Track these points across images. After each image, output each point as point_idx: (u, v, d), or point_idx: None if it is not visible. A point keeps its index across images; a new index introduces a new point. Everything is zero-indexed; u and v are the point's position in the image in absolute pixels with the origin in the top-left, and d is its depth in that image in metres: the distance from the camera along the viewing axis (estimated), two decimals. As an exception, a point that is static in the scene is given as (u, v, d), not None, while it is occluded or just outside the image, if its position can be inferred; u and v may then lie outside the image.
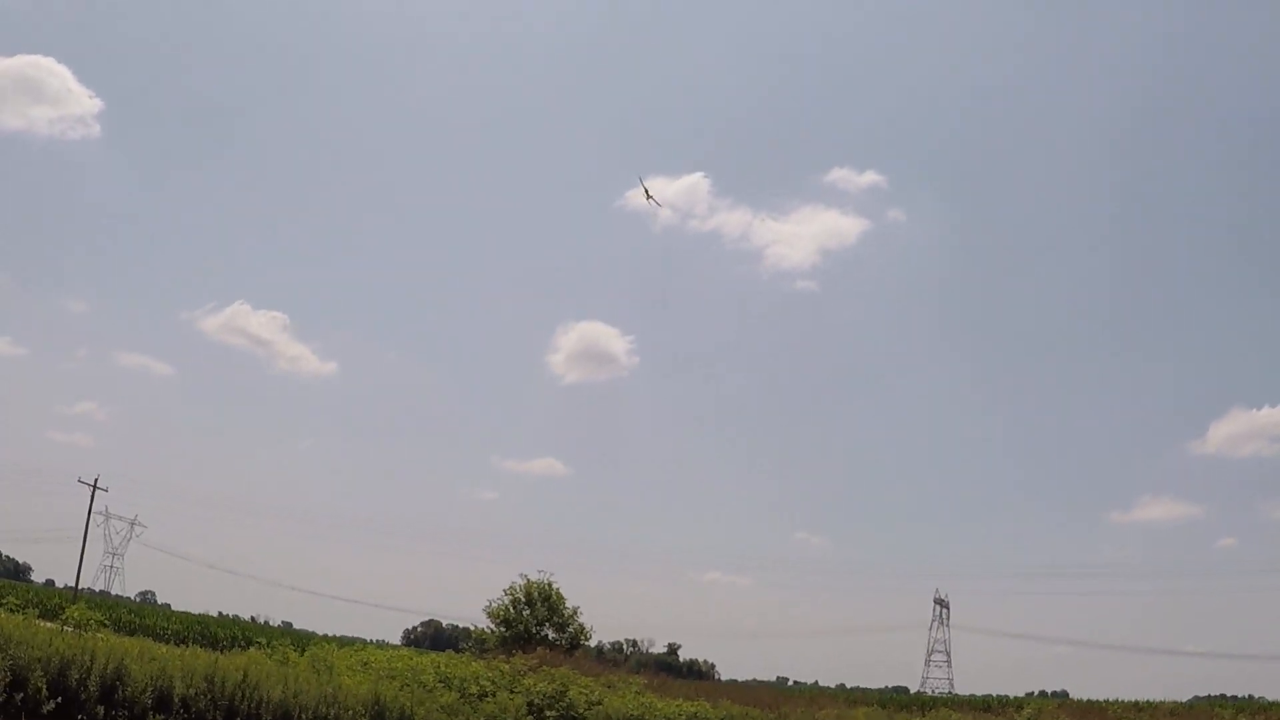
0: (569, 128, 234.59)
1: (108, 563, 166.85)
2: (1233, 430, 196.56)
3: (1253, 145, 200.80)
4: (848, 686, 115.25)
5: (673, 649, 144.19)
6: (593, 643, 58.32)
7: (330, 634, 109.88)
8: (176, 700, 18.01)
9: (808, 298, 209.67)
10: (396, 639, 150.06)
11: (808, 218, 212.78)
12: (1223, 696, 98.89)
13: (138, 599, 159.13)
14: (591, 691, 32.98)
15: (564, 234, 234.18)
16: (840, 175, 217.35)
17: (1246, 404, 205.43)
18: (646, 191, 69.11)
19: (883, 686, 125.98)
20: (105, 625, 27.93)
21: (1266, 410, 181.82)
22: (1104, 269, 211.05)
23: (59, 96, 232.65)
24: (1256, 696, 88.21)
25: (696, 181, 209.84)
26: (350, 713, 21.40)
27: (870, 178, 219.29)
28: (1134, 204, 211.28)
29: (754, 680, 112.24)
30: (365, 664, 30.10)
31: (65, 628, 23.52)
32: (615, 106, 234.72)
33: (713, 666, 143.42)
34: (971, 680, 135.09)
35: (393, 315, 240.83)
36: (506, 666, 34.17)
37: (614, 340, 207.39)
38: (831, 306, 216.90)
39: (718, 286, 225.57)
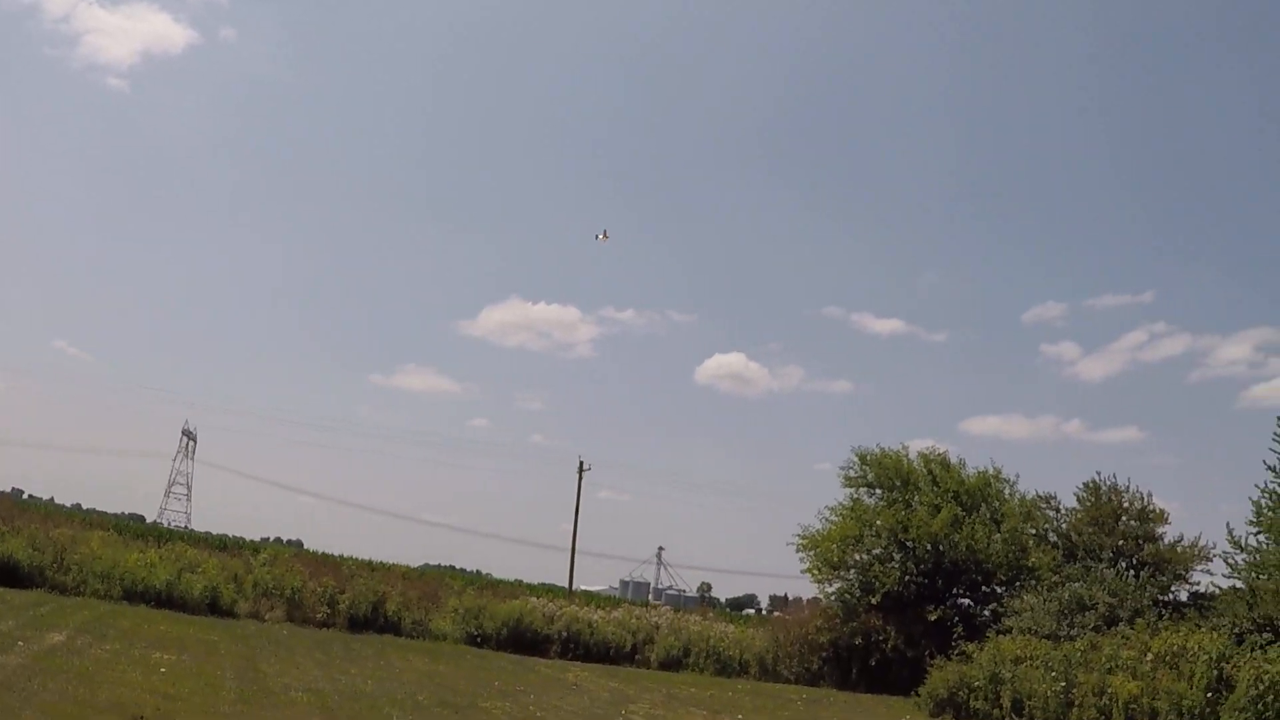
0: None
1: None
2: (505, 318, 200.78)
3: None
4: (84, 507, 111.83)
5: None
6: None
7: None
8: None
9: (116, 96, 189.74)
10: None
11: (140, 15, 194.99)
12: (453, 567, 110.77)
13: None
14: None
15: None
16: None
17: (525, 296, 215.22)
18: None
19: (120, 513, 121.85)
20: None
21: (542, 305, 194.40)
22: (418, 141, 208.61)
23: None
24: (484, 572, 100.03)
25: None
26: None
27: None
28: (466, 75, 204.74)
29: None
30: None
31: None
32: None
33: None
34: (209, 518, 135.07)
35: None
36: None
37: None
38: (139, 112, 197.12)
39: (24, 66, 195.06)
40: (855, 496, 44.55)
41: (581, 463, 71.03)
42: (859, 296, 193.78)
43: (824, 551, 42.38)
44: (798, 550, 43.30)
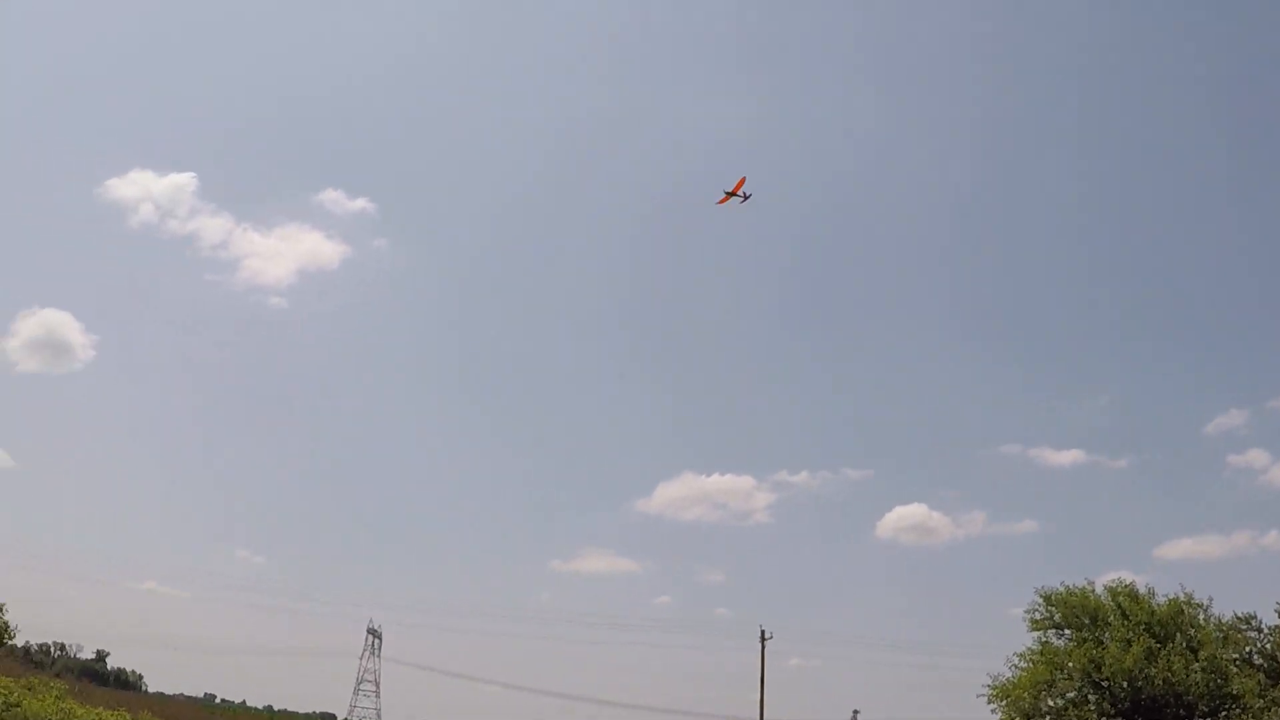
0: (54, 111, 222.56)
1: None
2: (680, 493, 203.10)
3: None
4: (275, 709, 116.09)
5: (101, 656, 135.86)
6: (18, 642, 55.88)
7: None
8: None
9: (278, 314, 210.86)
10: None
11: (292, 235, 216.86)
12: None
13: None
14: (10, 693, 33.03)
15: (32, 217, 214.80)
16: (331, 197, 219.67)
17: (697, 469, 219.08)
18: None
19: (310, 712, 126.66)
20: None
21: (715, 477, 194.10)
22: (571, 328, 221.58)
23: None
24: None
25: (185, 181, 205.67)
26: None
27: (361, 204, 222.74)
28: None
29: (181, 695, 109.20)
30: None
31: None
32: (107, 94, 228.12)
33: (140, 677, 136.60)
34: (399, 712, 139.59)
35: None
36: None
37: (75, 332, 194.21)
38: (302, 326, 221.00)
39: (187, 291, 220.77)
40: (1044, 639, 44.11)
41: (764, 631, 72.04)
42: (1034, 430, 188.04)
43: (1016, 700, 41.96)
44: (989, 701, 43.01)
